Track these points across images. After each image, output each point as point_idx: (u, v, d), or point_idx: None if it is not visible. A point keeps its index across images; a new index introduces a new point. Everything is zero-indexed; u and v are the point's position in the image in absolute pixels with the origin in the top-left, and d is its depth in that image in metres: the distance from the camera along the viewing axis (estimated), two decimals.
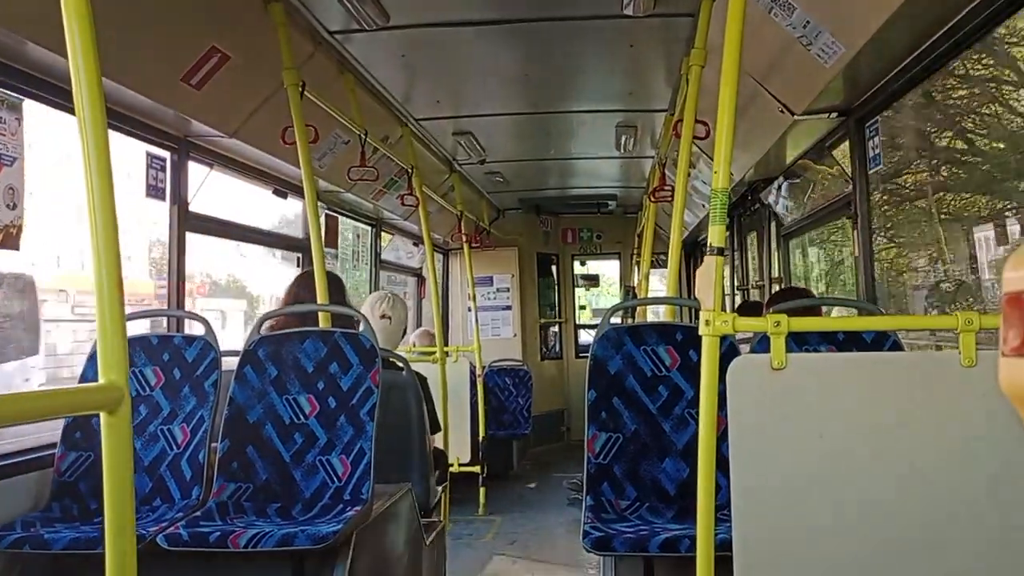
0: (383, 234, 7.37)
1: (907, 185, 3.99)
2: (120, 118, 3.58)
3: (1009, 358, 0.82)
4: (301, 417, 3.15)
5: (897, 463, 1.98)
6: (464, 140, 6.57)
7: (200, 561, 2.79)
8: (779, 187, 5.58)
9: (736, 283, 7.31)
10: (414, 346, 7.01)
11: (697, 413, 2.17)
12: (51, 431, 3.20)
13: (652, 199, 5.49)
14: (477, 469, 6.93)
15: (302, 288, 3.79)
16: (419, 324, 8.53)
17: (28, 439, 3.23)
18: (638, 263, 8.81)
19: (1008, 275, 0.81)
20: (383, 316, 4.44)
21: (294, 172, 4.56)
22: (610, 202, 9.92)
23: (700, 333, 2.05)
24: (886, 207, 4.07)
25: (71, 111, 3.18)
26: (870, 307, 3.22)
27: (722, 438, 2.04)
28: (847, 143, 4.10)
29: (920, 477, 1.97)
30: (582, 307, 11.40)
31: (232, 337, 5.28)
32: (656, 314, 7.28)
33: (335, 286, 3.83)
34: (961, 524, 1.94)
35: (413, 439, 3.93)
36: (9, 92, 2.98)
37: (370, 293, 6.16)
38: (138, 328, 3.58)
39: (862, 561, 1.96)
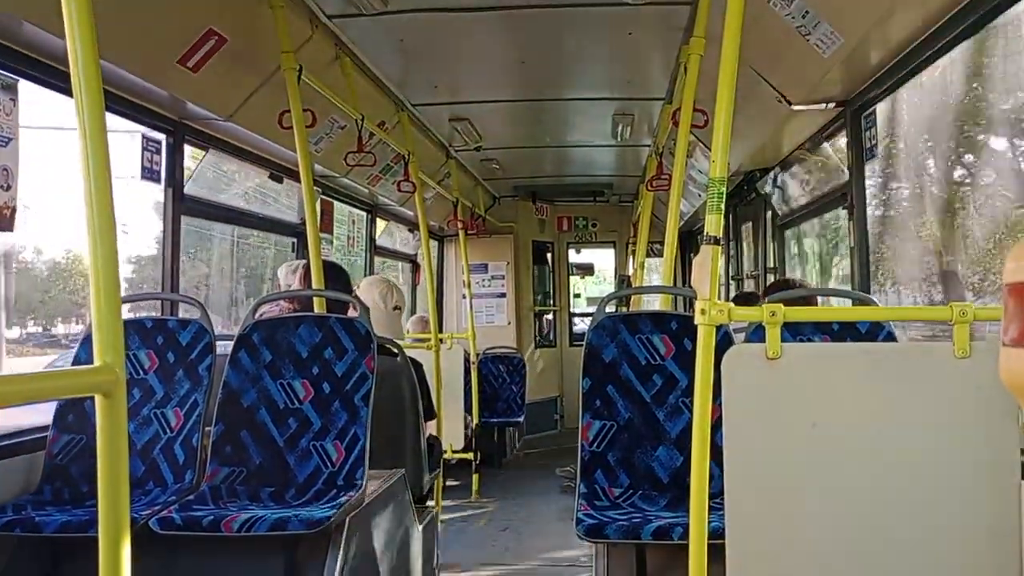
0: (378, 220, 7.36)
1: None
2: (116, 100, 3.56)
3: (1009, 348, 0.83)
4: (295, 402, 3.15)
5: (890, 453, 1.99)
6: (461, 126, 6.56)
7: (193, 545, 2.80)
8: (775, 177, 5.58)
9: (731, 273, 7.32)
10: (408, 332, 7.01)
11: (691, 402, 2.17)
12: (42, 413, 3.20)
13: (649, 188, 5.48)
14: (470, 456, 6.94)
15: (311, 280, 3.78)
16: (414, 311, 8.53)
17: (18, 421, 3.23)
18: (633, 252, 8.82)
19: (1010, 266, 0.81)
20: (396, 308, 4.44)
21: (290, 156, 4.55)
22: (606, 190, 9.92)
23: (696, 322, 2.05)
24: None
25: (66, 92, 3.18)
26: (865, 297, 3.23)
27: (716, 427, 2.05)
28: (844, 133, 4.10)
29: (912, 467, 1.98)
30: (576, 295, 11.39)
31: None
32: (650, 303, 7.31)
33: (339, 275, 3.82)
34: (952, 514, 1.95)
35: (407, 425, 3.93)
36: (4, 72, 2.96)
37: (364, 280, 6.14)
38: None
39: (854, 549, 1.97)
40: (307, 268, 3.87)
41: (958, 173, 3.58)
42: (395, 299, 4.46)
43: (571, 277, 11.21)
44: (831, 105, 3.98)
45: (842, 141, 4.19)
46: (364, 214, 7.04)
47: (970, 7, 2.79)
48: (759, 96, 4.04)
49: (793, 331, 2.85)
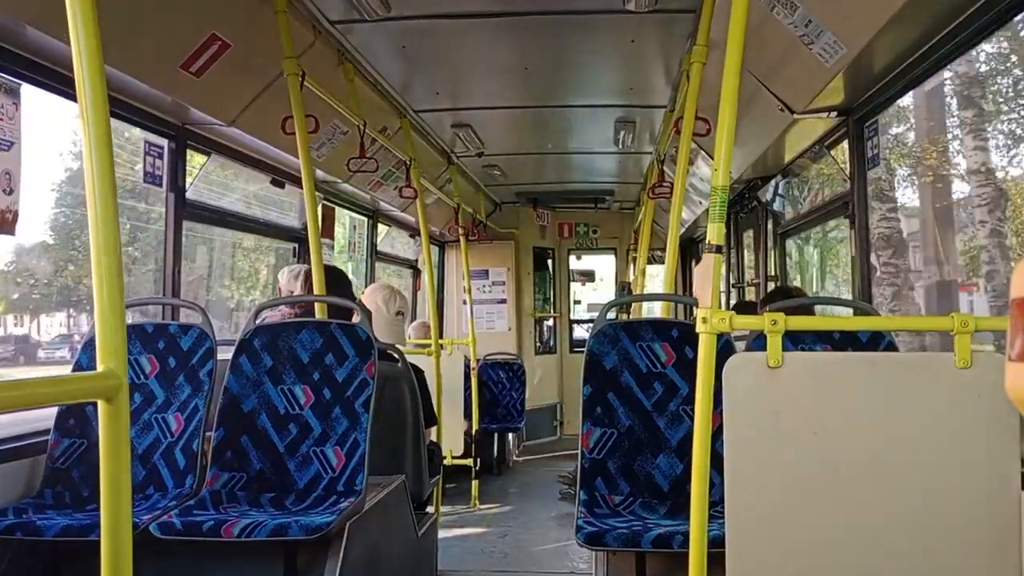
0: (380, 225, 7.36)
1: None
2: (118, 104, 3.57)
3: (1015, 363, 0.82)
4: (296, 407, 3.15)
5: (890, 462, 1.99)
6: (462, 132, 6.56)
7: (193, 550, 2.79)
8: (777, 185, 5.58)
9: (732, 281, 7.32)
10: (410, 338, 7.01)
11: (692, 410, 2.17)
12: (45, 419, 3.19)
13: (650, 195, 5.49)
14: (470, 462, 6.93)
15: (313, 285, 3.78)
16: (415, 316, 8.53)
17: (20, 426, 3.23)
18: (634, 259, 8.82)
19: (1017, 280, 0.81)
20: (399, 313, 4.44)
21: (292, 161, 4.55)
22: (607, 197, 9.92)
23: (697, 330, 2.05)
24: None
25: (69, 96, 3.19)
26: (866, 307, 3.23)
27: (716, 435, 2.05)
28: (846, 143, 4.11)
29: (913, 476, 1.98)
30: (577, 302, 11.40)
31: None
32: (651, 310, 7.31)
33: (340, 280, 3.82)
34: (953, 523, 1.95)
35: (407, 431, 3.93)
36: (7, 76, 2.96)
37: (366, 286, 6.15)
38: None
39: (855, 558, 1.97)
40: (308, 273, 3.87)
41: None
42: (398, 304, 4.46)
43: (572, 283, 11.21)
44: (833, 114, 3.98)
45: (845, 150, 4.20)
46: (365, 219, 7.05)
47: (973, 17, 2.80)
48: (761, 104, 4.04)
49: (794, 340, 2.85)
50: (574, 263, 11.20)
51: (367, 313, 3.37)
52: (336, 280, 3.76)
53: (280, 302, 3.72)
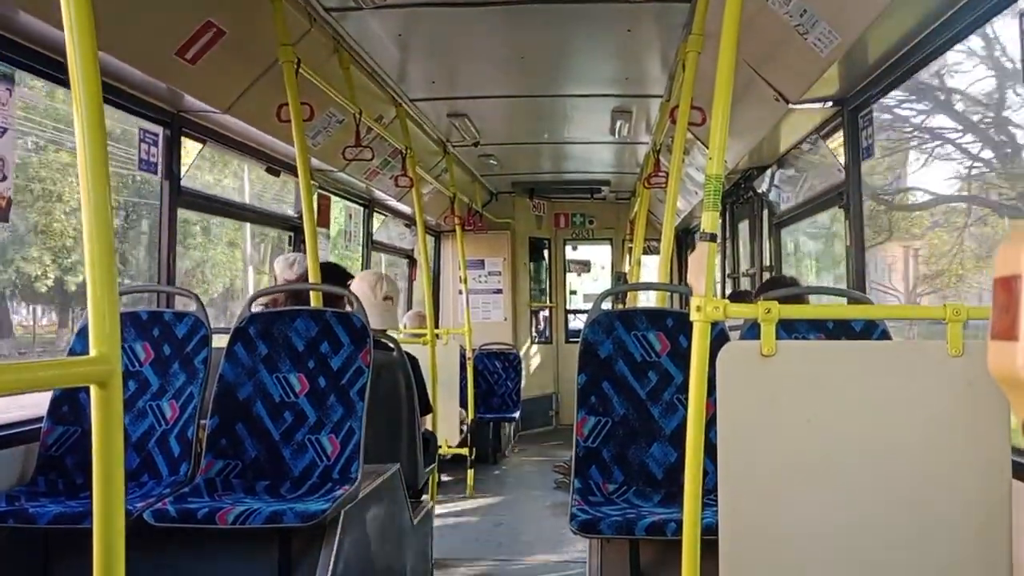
0: (375, 215, 7.36)
1: None
2: (113, 91, 3.56)
3: (997, 341, 0.83)
4: (291, 395, 3.16)
5: (883, 450, 2.00)
6: (458, 122, 6.55)
7: (187, 537, 2.80)
8: (772, 175, 5.58)
9: (727, 271, 7.33)
10: (405, 327, 7.01)
11: (686, 398, 2.18)
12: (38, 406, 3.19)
13: (646, 185, 5.48)
14: (465, 451, 6.95)
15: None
16: (410, 306, 8.53)
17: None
18: (630, 249, 8.83)
19: (999, 259, 0.81)
20: (387, 298, 4.43)
21: (288, 150, 4.54)
22: (603, 187, 9.91)
23: (691, 319, 2.05)
24: None
25: (62, 83, 3.17)
26: (860, 296, 3.24)
27: (710, 424, 2.05)
28: (841, 133, 4.11)
29: (905, 464, 1.99)
30: (573, 292, 11.41)
31: None
32: (646, 299, 7.32)
33: (336, 276, 3.83)
34: (944, 510, 1.96)
35: (402, 420, 3.94)
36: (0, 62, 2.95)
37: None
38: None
39: (846, 546, 1.98)
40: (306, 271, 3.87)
41: None
42: (385, 289, 4.46)
43: (568, 274, 11.22)
44: (828, 104, 3.98)
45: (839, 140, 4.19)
46: (361, 209, 7.04)
47: (968, 7, 2.80)
48: (757, 94, 4.04)
49: (788, 329, 2.86)
50: (570, 253, 11.21)
51: (360, 301, 3.37)
52: (332, 275, 3.77)
53: (276, 290, 3.72)
